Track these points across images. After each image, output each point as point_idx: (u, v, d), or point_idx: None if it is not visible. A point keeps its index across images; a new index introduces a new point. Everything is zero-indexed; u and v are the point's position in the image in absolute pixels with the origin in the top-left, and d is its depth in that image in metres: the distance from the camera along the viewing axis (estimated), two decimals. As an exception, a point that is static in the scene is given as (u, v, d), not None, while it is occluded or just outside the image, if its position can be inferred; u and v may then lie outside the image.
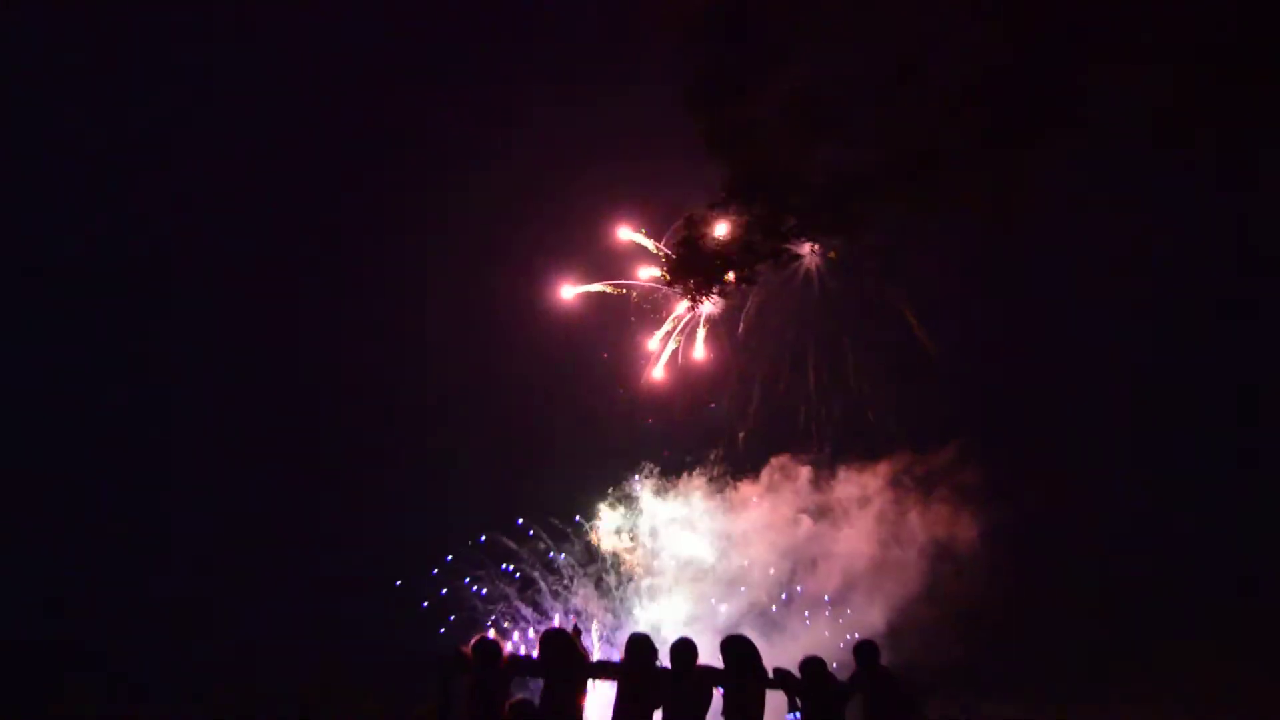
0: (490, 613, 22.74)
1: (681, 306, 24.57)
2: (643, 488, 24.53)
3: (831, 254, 21.87)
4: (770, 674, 8.57)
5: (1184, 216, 19.47)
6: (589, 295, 25.39)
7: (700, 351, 25.42)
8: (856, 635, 19.02)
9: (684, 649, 8.40)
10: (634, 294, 24.89)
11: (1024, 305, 23.20)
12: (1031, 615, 19.54)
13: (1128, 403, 22.59)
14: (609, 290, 25.12)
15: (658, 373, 25.22)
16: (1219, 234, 20.01)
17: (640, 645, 8.30)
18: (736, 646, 8.67)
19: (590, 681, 8.34)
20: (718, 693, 8.44)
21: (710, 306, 23.60)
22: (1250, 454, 21.03)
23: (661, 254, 22.54)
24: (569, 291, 25.28)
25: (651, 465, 24.60)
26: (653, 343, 25.37)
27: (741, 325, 25.03)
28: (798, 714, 8.64)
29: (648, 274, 24.55)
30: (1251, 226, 19.04)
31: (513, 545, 23.49)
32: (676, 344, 25.32)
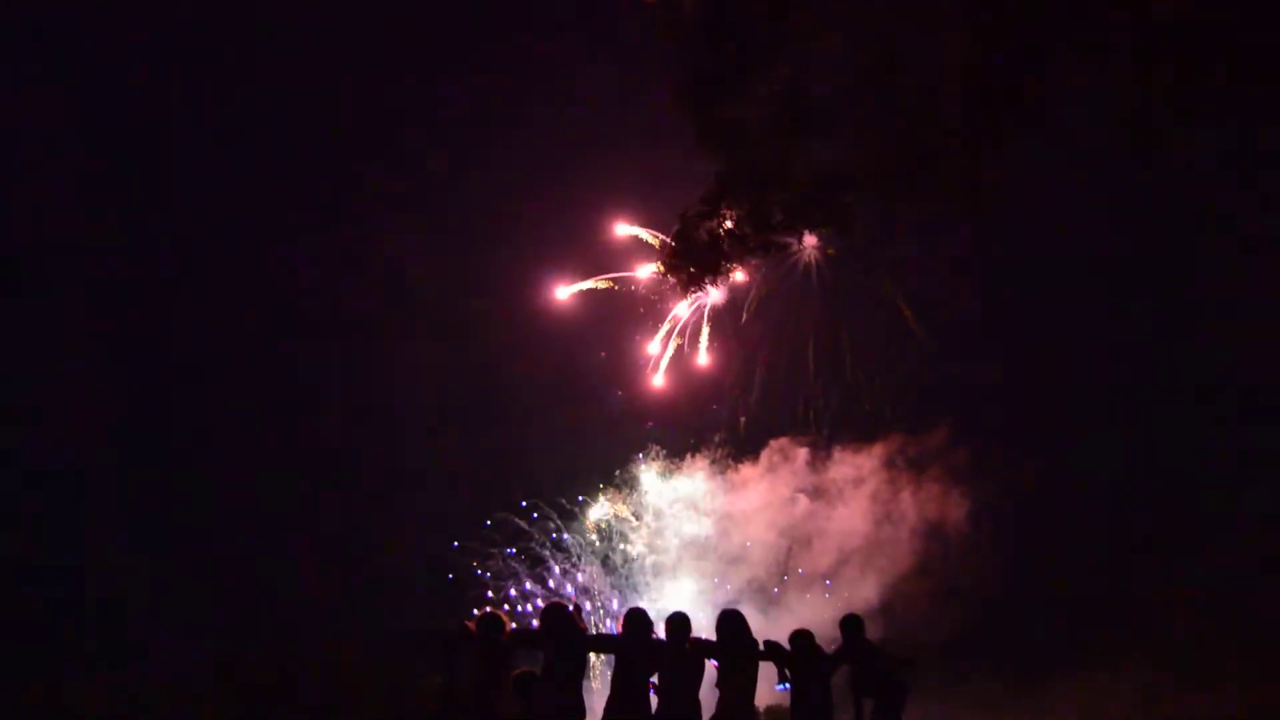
0: (500, 590, 23.31)
1: (681, 306, 24.81)
2: (648, 469, 25.00)
3: (830, 250, 22.18)
4: (760, 647, 8.97)
5: (1171, 206, 19.67)
6: (593, 294, 25.57)
7: (704, 358, 25.54)
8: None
9: (679, 622, 8.66)
10: (636, 287, 25.07)
11: (1016, 292, 23.49)
12: (1017, 592, 19.97)
13: (1116, 386, 22.87)
14: (608, 285, 25.22)
15: (658, 380, 25.36)
16: (1216, 224, 20.24)
17: (636, 619, 8.56)
18: (729, 621, 8.98)
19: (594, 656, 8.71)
20: (712, 665, 8.83)
21: (715, 296, 23.95)
22: (1240, 431, 21.31)
23: (659, 242, 22.69)
24: (563, 292, 25.44)
25: (657, 448, 25.10)
26: (653, 346, 25.60)
27: (745, 315, 25.35)
28: (787, 685, 9.06)
29: (647, 271, 24.77)
30: (1242, 215, 19.24)
31: (524, 525, 24.01)
32: (679, 342, 25.51)
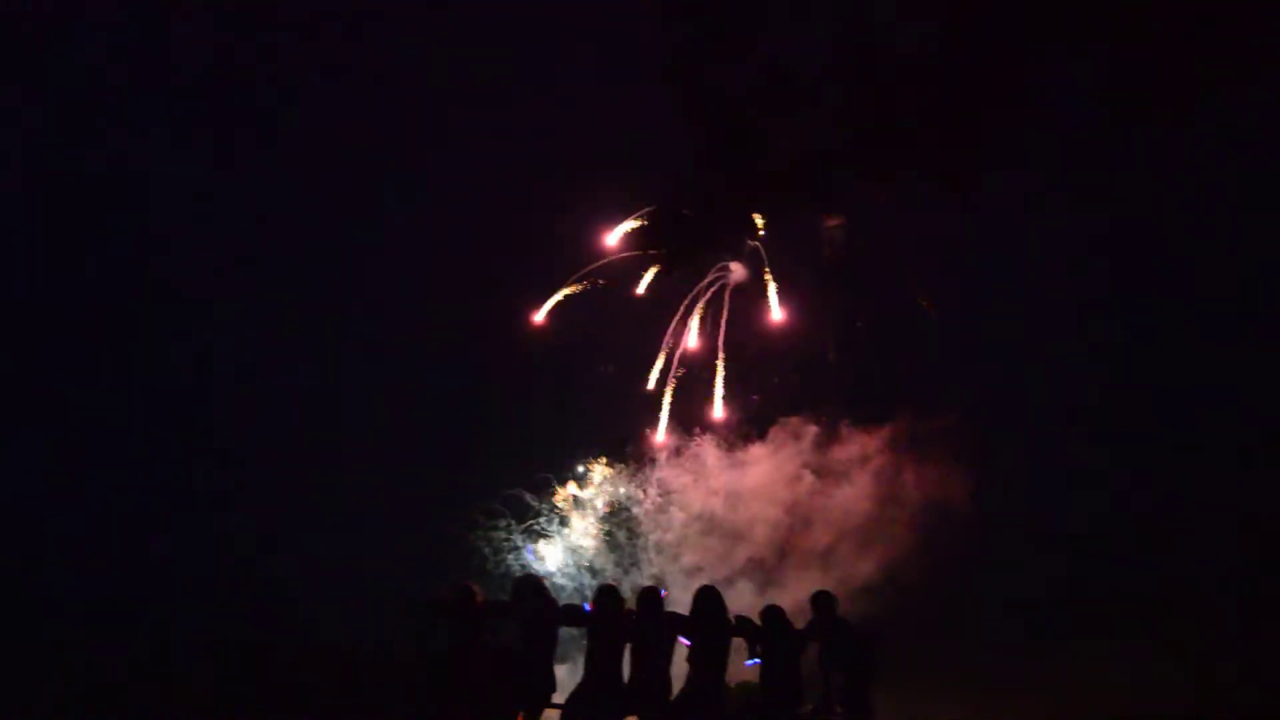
0: (499, 566, 23.54)
1: (692, 337, 24.48)
2: (655, 444, 25.06)
3: (860, 242, 21.94)
4: (731, 621, 9.06)
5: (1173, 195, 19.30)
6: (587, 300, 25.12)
7: (719, 409, 25.00)
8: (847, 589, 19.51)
9: (650, 596, 8.83)
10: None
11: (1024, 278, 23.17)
12: (1013, 576, 19.94)
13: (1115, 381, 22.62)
14: (581, 286, 24.78)
15: (661, 437, 24.97)
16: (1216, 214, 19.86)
17: (607, 594, 8.71)
18: (704, 596, 9.12)
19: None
20: (683, 641, 8.92)
21: (736, 276, 23.72)
22: (1233, 413, 21.02)
23: (643, 223, 22.26)
24: (540, 314, 25.03)
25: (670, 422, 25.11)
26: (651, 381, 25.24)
27: (773, 287, 24.90)
28: (757, 659, 9.16)
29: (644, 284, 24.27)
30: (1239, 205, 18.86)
31: (533, 501, 24.20)
32: (679, 378, 25.14)
